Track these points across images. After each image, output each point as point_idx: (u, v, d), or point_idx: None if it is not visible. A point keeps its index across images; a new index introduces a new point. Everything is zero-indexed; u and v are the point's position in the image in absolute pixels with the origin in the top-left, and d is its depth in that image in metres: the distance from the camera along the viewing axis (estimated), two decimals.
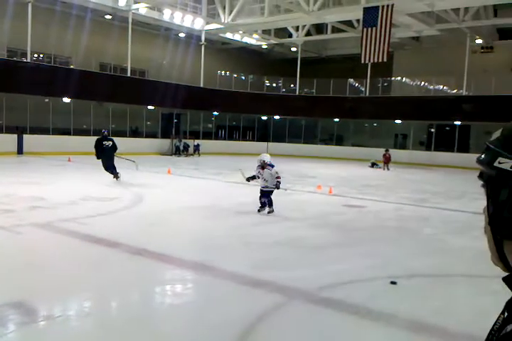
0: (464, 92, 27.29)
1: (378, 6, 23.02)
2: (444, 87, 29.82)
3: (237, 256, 6.56)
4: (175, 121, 31.17)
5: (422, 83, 30.56)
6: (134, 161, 15.50)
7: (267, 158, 9.80)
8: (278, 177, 9.68)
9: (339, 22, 27.18)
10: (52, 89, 23.41)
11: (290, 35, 32.29)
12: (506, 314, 0.81)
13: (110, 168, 14.25)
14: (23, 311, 4.29)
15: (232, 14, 27.53)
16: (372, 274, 5.88)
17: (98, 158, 14.32)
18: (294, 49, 34.16)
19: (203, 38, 30.04)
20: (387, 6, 22.77)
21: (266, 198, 9.73)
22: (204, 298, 4.97)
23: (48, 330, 4.01)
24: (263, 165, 9.68)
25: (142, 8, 26.50)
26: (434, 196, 14.21)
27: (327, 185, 14.06)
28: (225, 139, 33.25)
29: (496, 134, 0.81)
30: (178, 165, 21.19)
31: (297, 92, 32.46)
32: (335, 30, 29.60)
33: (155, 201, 11.16)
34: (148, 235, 7.55)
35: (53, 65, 24.63)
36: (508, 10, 24.82)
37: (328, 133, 34.00)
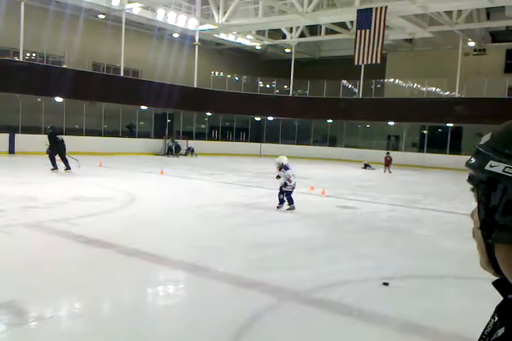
0: (456, 94, 27.45)
1: (372, 8, 23.12)
2: (437, 89, 29.99)
3: (230, 256, 6.56)
4: (168, 121, 31.11)
5: (415, 85, 30.71)
6: (77, 160, 16.08)
7: (283, 160, 10.61)
8: (288, 180, 10.41)
9: (333, 23, 27.26)
10: (44, 89, 23.27)
11: (284, 36, 32.34)
12: (497, 318, 0.80)
13: (64, 160, 15.96)
14: (14, 311, 4.27)
15: (226, 15, 27.53)
16: (364, 275, 5.90)
17: (50, 150, 15.93)
18: (287, 50, 34.21)
19: (196, 39, 30.01)
20: (381, 8, 22.88)
21: (286, 196, 10.45)
22: (197, 299, 4.96)
23: (40, 331, 3.99)
24: (280, 167, 10.53)
25: (136, 8, 26.43)
26: (426, 197, 14.29)
27: (320, 186, 14.09)
28: (218, 140, 33.23)
29: (486, 138, 0.81)
30: (171, 166, 21.16)
31: (291, 93, 32.52)
32: (328, 31, 29.69)
33: (148, 201, 11.13)
34: (140, 236, 7.53)
35: (46, 65, 24.51)
36: (501, 13, 25.01)
37: (321, 135, 34.08)
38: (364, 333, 4.30)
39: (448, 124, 27.90)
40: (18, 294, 4.67)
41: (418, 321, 4.51)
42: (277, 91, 33.98)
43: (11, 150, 22.76)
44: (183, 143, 29.23)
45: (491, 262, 0.79)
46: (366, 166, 24.91)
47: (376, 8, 23.01)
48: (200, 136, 32.43)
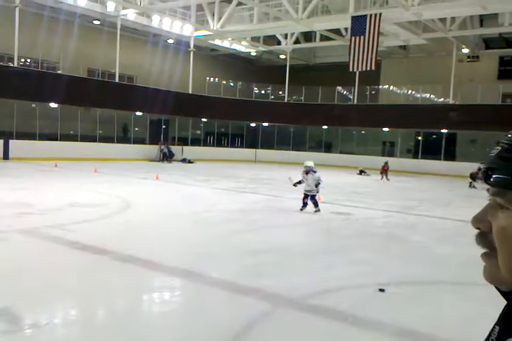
0: (450, 101, 27.61)
1: (366, 15, 23.26)
2: (431, 96, 30.16)
3: (226, 263, 6.54)
4: (163, 127, 31.09)
5: (409, 91, 30.88)
6: None
7: (311, 164, 11.19)
8: (319, 182, 11.01)
9: (327, 30, 27.41)
10: (39, 94, 23.24)
11: (279, 43, 32.46)
12: (502, 326, 0.78)
13: None
14: (8, 319, 4.24)
15: (221, 21, 27.63)
16: (359, 281, 5.90)
17: None
18: (282, 56, 34.34)
19: (191, 45, 30.08)
20: (375, 14, 23.03)
21: (311, 200, 10.99)
22: (192, 306, 4.95)
23: (35, 338, 3.96)
24: (308, 171, 11.04)
25: (131, 14, 26.49)
26: (421, 204, 14.32)
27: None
28: (213, 146, 33.22)
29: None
30: (166, 172, 21.12)
31: (286, 99, 32.60)
32: (323, 38, 29.84)
33: (143, 207, 11.10)
34: (135, 242, 7.50)
35: (41, 70, 24.47)
36: (494, 20, 25.24)
37: (316, 141, 34.16)
38: (359, 339, 4.29)
39: (442, 130, 28.04)
40: (12, 301, 4.64)
41: (414, 327, 4.52)
42: (272, 97, 34.07)
43: (5, 156, 22.67)
44: (178, 149, 29.20)
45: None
46: (361, 172, 24.95)
47: (370, 15, 23.15)
48: (196, 141, 32.43)
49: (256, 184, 17.83)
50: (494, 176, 0.75)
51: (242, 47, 33.80)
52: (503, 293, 0.78)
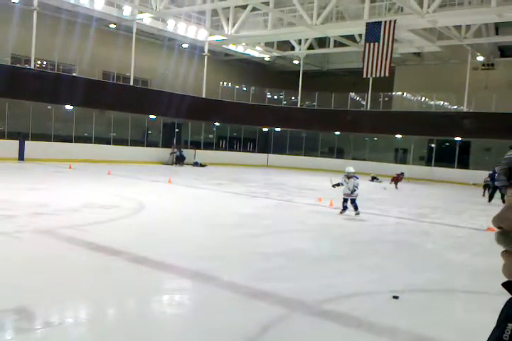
0: (464, 108, 27.45)
1: (381, 22, 23.26)
2: (445, 103, 30.00)
3: (238, 266, 6.56)
4: (176, 130, 31.27)
5: (423, 98, 30.74)
6: None
7: (353, 170, 11.74)
8: (356, 187, 11.54)
9: (341, 36, 27.43)
10: (55, 97, 23.50)
11: (293, 48, 32.53)
12: None
13: None
14: (22, 317, 4.28)
15: (236, 26, 27.78)
16: (372, 288, 5.88)
17: None
18: (296, 62, 34.40)
19: (206, 49, 30.26)
20: (390, 21, 23.01)
21: (352, 203, 11.59)
22: (205, 309, 4.95)
23: (47, 338, 4.00)
24: (349, 176, 11.59)
25: (146, 19, 26.74)
26: (434, 211, 14.23)
27: (328, 198, 14.07)
28: (225, 150, 33.32)
29: None
30: (179, 175, 21.22)
31: (298, 105, 32.62)
32: (337, 44, 29.86)
33: (156, 210, 11.17)
34: (149, 243, 7.55)
35: (57, 73, 24.76)
36: (510, 28, 25.10)
37: (328, 146, 34.11)
38: None
39: (456, 138, 27.87)
40: (26, 300, 4.68)
41: (428, 334, 4.49)
42: (285, 102, 34.12)
43: (21, 157, 22.94)
44: (190, 153, 29.33)
45: None
46: (373, 179, 24.85)
47: (385, 22, 23.15)
48: (208, 145, 32.56)
49: (267, 188, 17.84)
50: None
51: (256, 52, 33.92)
52: (508, 288, 0.81)
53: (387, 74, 24.27)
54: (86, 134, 26.50)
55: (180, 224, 9.58)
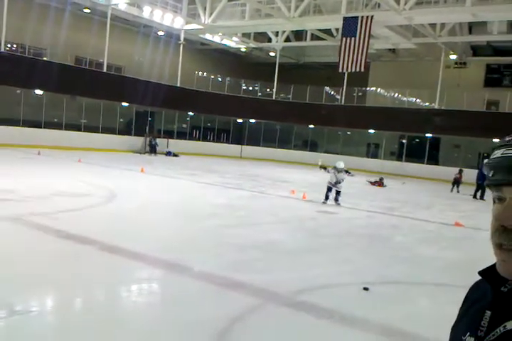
0: (436, 106, 27.91)
1: (358, 17, 23.34)
2: (417, 100, 30.44)
3: (211, 257, 6.53)
4: (149, 119, 30.87)
5: (396, 94, 31.12)
6: None
7: (343, 165, 12.60)
8: (342, 180, 12.53)
9: (319, 30, 27.46)
10: (25, 81, 22.82)
11: (269, 40, 32.42)
12: (494, 311, 0.84)
13: None
14: None
15: (213, 16, 27.48)
16: (344, 280, 5.95)
17: None
18: (272, 54, 34.30)
19: (182, 38, 29.86)
20: (367, 17, 23.12)
21: (337, 194, 12.48)
22: (177, 299, 4.92)
23: (13, 326, 3.90)
24: (339, 170, 12.41)
25: (122, 4, 26.18)
26: (404, 205, 14.48)
27: (301, 191, 14.15)
28: (199, 140, 33.09)
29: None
30: (151, 164, 20.99)
31: (274, 97, 32.60)
32: (314, 37, 29.87)
33: (128, 199, 11.03)
34: (120, 233, 7.45)
35: (28, 56, 24.06)
36: (482, 28, 25.57)
37: (302, 139, 34.24)
38: (345, 336, 4.33)
39: (427, 135, 28.35)
40: None
41: (398, 326, 4.57)
42: (260, 94, 34.04)
43: None
44: (163, 142, 29.02)
45: None
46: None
47: (362, 17, 23.24)
48: (181, 135, 32.26)
49: (242, 180, 17.82)
50: None
51: (233, 42, 33.67)
52: (485, 276, 0.87)
53: (362, 70, 24.43)
54: (56, 120, 25.90)
55: (153, 214, 9.49)
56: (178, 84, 29.86)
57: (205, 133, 33.77)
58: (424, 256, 7.75)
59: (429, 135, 28.29)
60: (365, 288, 5.47)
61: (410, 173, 27.27)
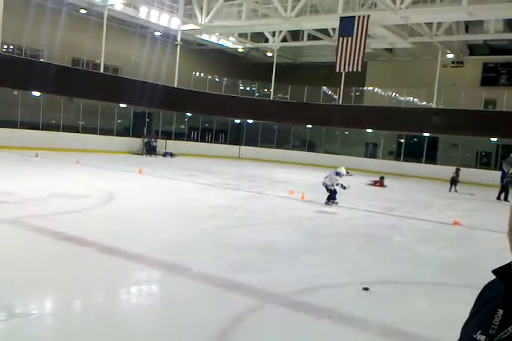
0: (433, 105, 27.94)
1: (354, 17, 23.35)
2: (415, 99, 30.47)
3: (210, 258, 6.52)
4: (147, 120, 30.84)
5: (394, 94, 31.15)
6: None
7: (344, 171, 12.91)
8: (337, 184, 12.65)
9: (315, 30, 27.46)
10: (22, 82, 22.77)
11: (266, 40, 32.42)
12: (503, 310, 0.83)
13: None
14: None
15: (209, 16, 27.47)
16: (344, 280, 5.95)
17: None
18: (269, 54, 34.30)
19: (178, 38, 29.84)
20: (363, 16, 23.14)
21: (332, 194, 12.58)
22: (177, 300, 4.91)
23: (13, 329, 3.89)
24: (343, 175, 12.77)
25: (118, 5, 26.14)
26: (403, 205, 14.49)
27: (299, 191, 14.15)
28: (197, 141, 33.06)
29: None
30: (149, 165, 20.97)
31: (271, 97, 32.60)
32: (311, 37, 29.88)
33: (126, 200, 11.01)
34: (119, 234, 7.44)
35: (25, 58, 24.01)
36: (479, 27, 25.60)
37: (300, 140, 34.25)
38: (344, 336, 4.33)
39: (424, 134, 28.37)
40: None
41: (398, 326, 4.57)
42: (257, 94, 34.04)
43: None
44: (161, 143, 28.99)
45: None
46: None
47: (359, 17, 23.26)
48: (179, 136, 32.23)
49: (240, 180, 17.81)
50: None
51: (230, 43, 33.66)
52: (499, 275, 0.86)
53: (359, 69, 24.44)
54: (53, 122, 25.85)
55: (152, 215, 9.48)
56: (176, 85, 29.84)
57: (203, 134, 33.73)
58: (424, 255, 7.76)
59: (426, 134, 28.32)
60: (365, 288, 5.46)
61: (408, 172, 27.29)
